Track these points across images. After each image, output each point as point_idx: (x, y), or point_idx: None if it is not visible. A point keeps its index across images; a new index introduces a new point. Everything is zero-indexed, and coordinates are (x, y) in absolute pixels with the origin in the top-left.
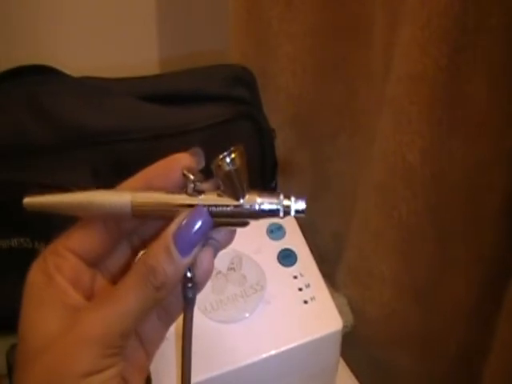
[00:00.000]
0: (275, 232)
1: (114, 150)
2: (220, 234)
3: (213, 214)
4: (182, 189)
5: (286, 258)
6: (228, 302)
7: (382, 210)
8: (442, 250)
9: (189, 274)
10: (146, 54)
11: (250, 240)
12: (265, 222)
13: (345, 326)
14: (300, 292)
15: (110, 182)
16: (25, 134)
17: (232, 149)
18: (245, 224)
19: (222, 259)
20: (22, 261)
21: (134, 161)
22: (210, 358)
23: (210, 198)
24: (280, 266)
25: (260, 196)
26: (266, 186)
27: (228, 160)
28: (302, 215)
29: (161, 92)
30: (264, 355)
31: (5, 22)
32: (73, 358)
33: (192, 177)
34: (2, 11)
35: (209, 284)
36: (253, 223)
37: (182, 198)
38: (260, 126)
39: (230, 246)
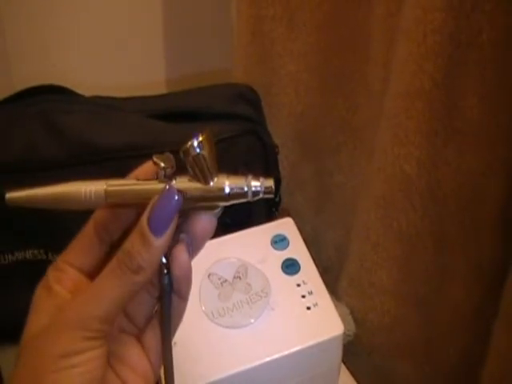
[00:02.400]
0: (279, 243)
1: (125, 166)
2: (194, 225)
3: (183, 198)
4: (155, 177)
5: (290, 266)
6: (234, 308)
7: (382, 221)
8: (441, 259)
9: (164, 260)
10: (154, 74)
11: (255, 250)
12: (269, 234)
13: (347, 335)
14: (303, 299)
15: None
16: (37, 149)
17: (199, 133)
18: (215, 207)
19: (229, 269)
20: (37, 272)
21: None
22: (217, 362)
23: (180, 183)
24: (284, 275)
25: (228, 179)
26: (270, 199)
27: (195, 144)
28: (270, 195)
29: (168, 110)
30: (268, 359)
31: (17, 43)
32: (53, 340)
33: (162, 164)
34: (14, 31)
35: (215, 292)
36: (257, 234)
37: (153, 184)
38: (264, 142)
39: (236, 256)
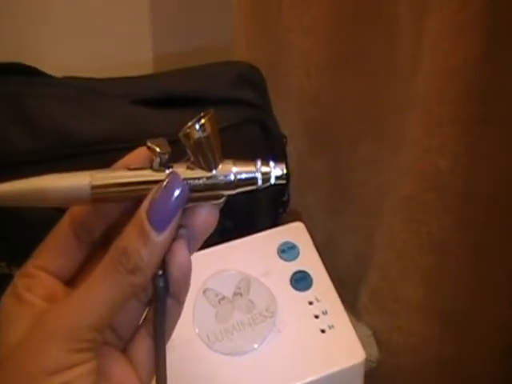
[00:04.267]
0: (287, 251)
1: (108, 160)
2: (194, 217)
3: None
4: (148, 165)
5: (300, 281)
6: (234, 331)
7: (410, 225)
8: (475, 269)
9: None
10: (139, 51)
11: (259, 261)
12: (275, 241)
13: (369, 360)
14: (316, 320)
15: None
16: (6, 142)
17: (201, 114)
18: (219, 197)
19: (227, 283)
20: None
21: None
22: None
23: (180, 172)
24: (293, 291)
25: (235, 165)
26: (277, 199)
27: (197, 126)
28: (282, 182)
29: (157, 95)
30: None
31: None
32: (38, 354)
33: (158, 149)
34: None
35: (212, 311)
36: (261, 242)
37: (148, 174)
38: (270, 132)
39: (236, 268)
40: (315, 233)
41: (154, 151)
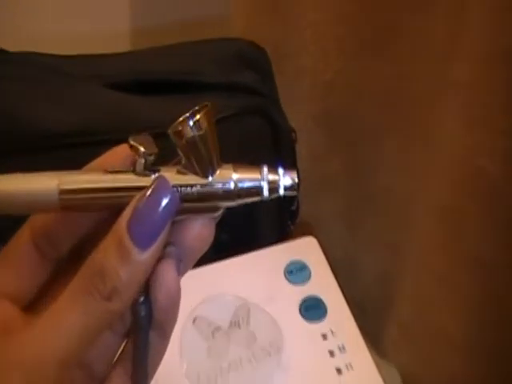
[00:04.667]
0: (296, 273)
1: (76, 158)
2: (185, 233)
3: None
4: (130, 167)
5: (312, 309)
6: (230, 370)
7: (449, 240)
8: None
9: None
10: (114, 23)
11: (262, 283)
12: (282, 259)
13: None
14: (331, 358)
15: None
16: None
17: (196, 108)
18: (216, 209)
19: (222, 310)
20: None
21: None
22: None
23: (168, 177)
24: (303, 321)
25: (236, 170)
26: (283, 207)
27: (191, 123)
28: (293, 193)
29: (137, 78)
30: None
31: None
32: None
33: (142, 149)
34: None
35: (203, 345)
36: (265, 261)
37: (129, 179)
38: (275, 125)
39: (233, 292)
40: (330, 250)
41: (137, 151)
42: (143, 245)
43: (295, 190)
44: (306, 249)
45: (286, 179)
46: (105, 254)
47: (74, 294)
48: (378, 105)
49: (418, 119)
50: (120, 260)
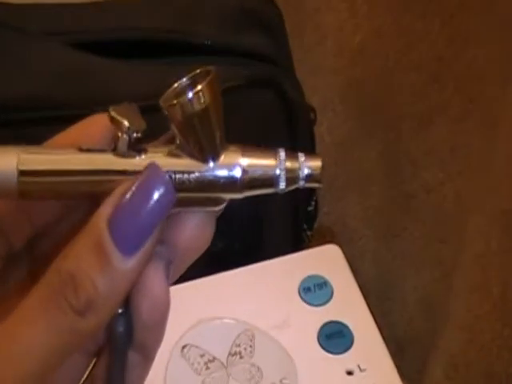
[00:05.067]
0: (315, 291)
1: (34, 136)
2: (178, 230)
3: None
4: (110, 145)
5: (334, 337)
6: None
7: None
8: None
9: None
10: None
11: (271, 304)
12: (297, 274)
13: None
14: None
15: None
16: None
17: (197, 71)
18: (218, 202)
19: (219, 337)
20: None
21: None
22: None
23: (159, 161)
24: (323, 352)
25: (245, 155)
26: (299, 208)
27: (190, 95)
28: (316, 185)
29: (113, 36)
30: None
31: None
32: None
33: (126, 122)
34: None
35: (194, 379)
36: (275, 275)
37: (109, 161)
38: (289, 102)
39: (235, 315)
40: (358, 262)
41: (119, 125)
42: (128, 250)
43: (319, 180)
44: (326, 260)
45: (307, 166)
46: (78, 258)
47: (36, 306)
48: (425, 78)
49: (479, 97)
50: (97, 266)
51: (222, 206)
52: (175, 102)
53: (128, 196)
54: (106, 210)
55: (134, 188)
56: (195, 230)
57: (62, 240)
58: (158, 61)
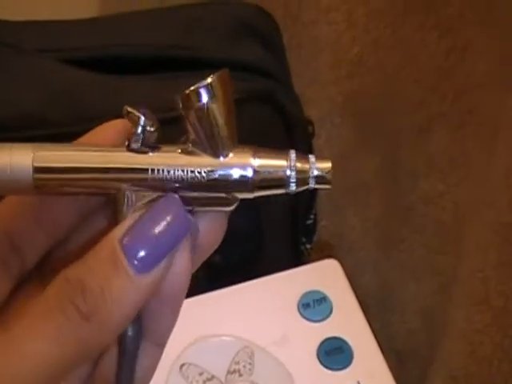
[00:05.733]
0: (314, 307)
1: None
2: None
3: (174, 186)
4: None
5: (334, 353)
6: None
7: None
8: None
9: None
10: None
11: (270, 321)
12: (296, 290)
13: None
14: None
15: None
16: None
17: (211, 76)
18: (229, 202)
19: (218, 354)
20: None
21: None
22: None
23: (170, 157)
24: (322, 369)
25: (255, 154)
26: (298, 221)
27: (204, 91)
28: (326, 186)
29: (110, 52)
30: None
31: None
32: None
33: (142, 116)
34: None
35: None
36: (273, 291)
37: (121, 157)
38: (287, 115)
39: (233, 332)
40: (358, 277)
41: (134, 118)
42: (141, 268)
43: (329, 182)
44: (325, 276)
45: (318, 167)
46: (89, 266)
47: (39, 314)
48: (424, 89)
49: (478, 108)
50: (109, 276)
51: (233, 207)
52: (189, 97)
53: (142, 222)
54: (121, 229)
55: (145, 216)
56: (207, 231)
57: (74, 254)
58: (154, 76)
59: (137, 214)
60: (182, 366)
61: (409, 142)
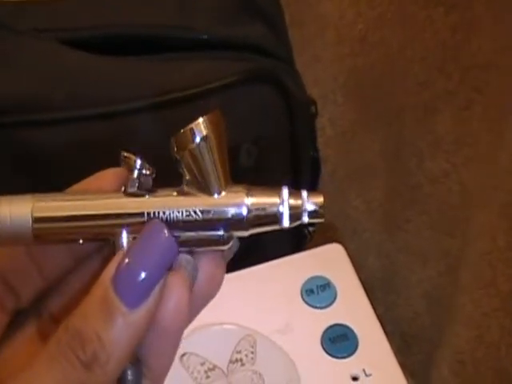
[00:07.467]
0: (317, 293)
1: (24, 142)
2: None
3: (171, 226)
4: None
5: (338, 340)
6: None
7: None
8: None
9: None
10: None
11: (272, 308)
12: (298, 275)
13: None
14: None
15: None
16: None
17: (202, 117)
18: (226, 241)
19: (220, 343)
20: None
21: (57, 157)
22: None
23: (165, 200)
24: (326, 357)
25: (249, 193)
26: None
27: (197, 132)
28: (319, 220)
29: (107, 32)
30: None
31: None
32: None
33: (138, 160)
34: None
35: None
36: (276, 277)
37: (117, 202)
38: (289, 95)
39: (235, 321)
40: (363, 261)
41: (130, 162)
42: (133, 302)
43: (321, 216)
44: (329, 260)
45: (310, 202)
46: (84, 313)
47: (45, 361)
48: (429, 68)
49: (485, 87)
50: (103, 320)
51: (230, 246)
52: (183, 138)
53: (128, 256)
54: (110, 269)
55: (134, 247)
56: (206, 273)
57: (69, 298)
58: (154, 57)
59: (122, 252)
60: (183, 356)
61: (414, 122)
